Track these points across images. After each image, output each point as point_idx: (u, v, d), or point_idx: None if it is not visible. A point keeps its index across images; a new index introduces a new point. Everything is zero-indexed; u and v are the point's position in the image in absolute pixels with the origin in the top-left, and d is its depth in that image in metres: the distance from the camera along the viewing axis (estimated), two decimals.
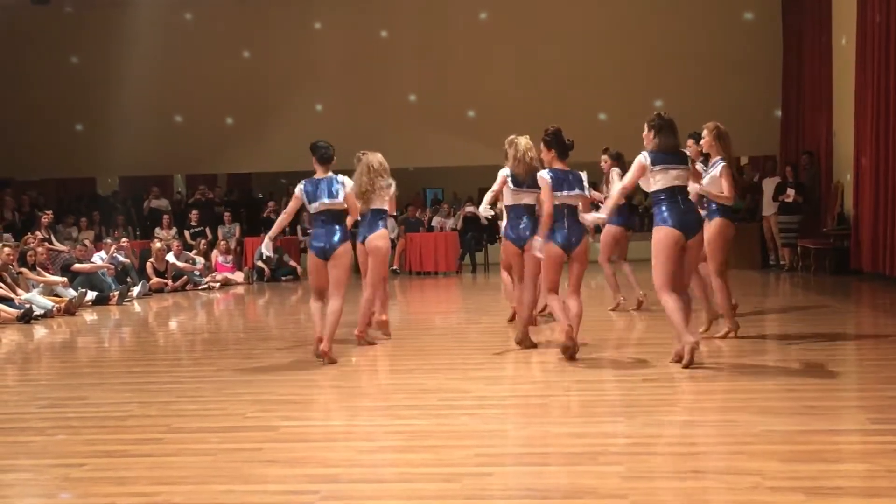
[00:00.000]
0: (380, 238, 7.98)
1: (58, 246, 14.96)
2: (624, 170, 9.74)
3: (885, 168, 12.32)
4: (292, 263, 17.33)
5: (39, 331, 10.32)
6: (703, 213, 7.44)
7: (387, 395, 6.11)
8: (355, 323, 8.33)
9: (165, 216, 18.01)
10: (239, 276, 16.62)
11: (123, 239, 16.09)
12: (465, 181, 22.01)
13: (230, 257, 16.95)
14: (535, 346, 7.49)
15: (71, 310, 11.72)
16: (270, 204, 18.34)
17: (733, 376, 6.07)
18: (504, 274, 9.03)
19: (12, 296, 11.31)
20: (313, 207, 7.23)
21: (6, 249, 11.80)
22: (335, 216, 7.24)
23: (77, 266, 13.46)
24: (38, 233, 14.51)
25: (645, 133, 6.60)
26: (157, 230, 17.62)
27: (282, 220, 7.60)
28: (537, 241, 6.79)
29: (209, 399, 5.91)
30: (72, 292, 12.35)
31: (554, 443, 4.56)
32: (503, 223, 8.04)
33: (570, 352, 6.78)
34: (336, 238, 7.18)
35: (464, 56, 18.76)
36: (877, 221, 12.46)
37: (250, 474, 4.16)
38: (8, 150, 19.14)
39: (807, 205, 14.97)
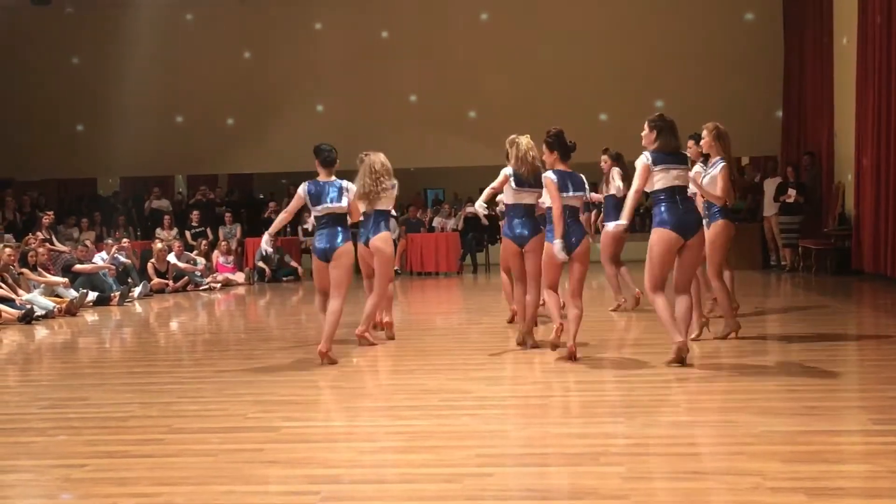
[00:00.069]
0: (383, 240, 7.97)
1: (59, 246, 14.97)
2: (624, 170, 9.77)
3: (886, 168, 12.32)
4: (293, 264, 17.35)
5: (40, 331, 10.32)
6: (703, 214, 7.45)
7: (388, 396, 6.11)
8: (355, 323, 8.34)
9: (166, 217, 18.03)
10: (240, 277, 16.63)
11: (124, 239, 16.11)
12: (465, 182, 22.01)
13: (231, 258, 16.96)
14: (537, 345, 7.50)
15: (72, 310, 11.73)
16: (271, 204, 18.34)
17: (734, 377, 6.07)
18: (504, 275, 9.04)
19: (13, 296, 11.32)
20: (316, 210, 7.25)
21: (7, 250, 11.80)
22: (337, 218, 7.28)
23: (78, 267, 13.46)
24: (39, 233, 14.52)
25: (646, 133, 6.61)
26: (158, 231, 17.64)
27: (282, 218, 7.60)
28: (557, 244, 6.76)
29: (210, 400, 5.91)
30: (73, 293, 12.36)
31: (554, 443, 4.56)
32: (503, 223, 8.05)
33: (566, 354, 6.80)
34: (338, 240, 7.21)
35: (464, 56, 18.77)
36: (878, 222, 12.46)
37: (251, 475, 4.16)
38: (9, 150, 19.15)
39: (808, 205, 14.97)
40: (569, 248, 6.83)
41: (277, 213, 17.71)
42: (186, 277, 15.37)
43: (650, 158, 6.45)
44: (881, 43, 12.39)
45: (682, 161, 6.59)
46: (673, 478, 3.93)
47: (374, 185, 7.91)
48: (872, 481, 3.79)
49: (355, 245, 7.73)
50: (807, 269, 14.48)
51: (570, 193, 6.89)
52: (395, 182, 8.19)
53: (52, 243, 14.77)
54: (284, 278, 17.00)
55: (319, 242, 7.27)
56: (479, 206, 7.87)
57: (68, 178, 20.75)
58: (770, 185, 15.58)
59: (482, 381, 6.27)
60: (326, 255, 7.24)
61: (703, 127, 7.54)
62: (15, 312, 10.86)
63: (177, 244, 15.95)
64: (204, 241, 17.23)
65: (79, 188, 21.20)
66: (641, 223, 18.29)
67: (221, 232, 17.89)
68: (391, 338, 8.36)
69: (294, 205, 7.42)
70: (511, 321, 8.91)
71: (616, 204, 9.94)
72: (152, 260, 15.20)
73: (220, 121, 19.56)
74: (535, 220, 7.61)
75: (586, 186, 7.15)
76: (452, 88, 18.78)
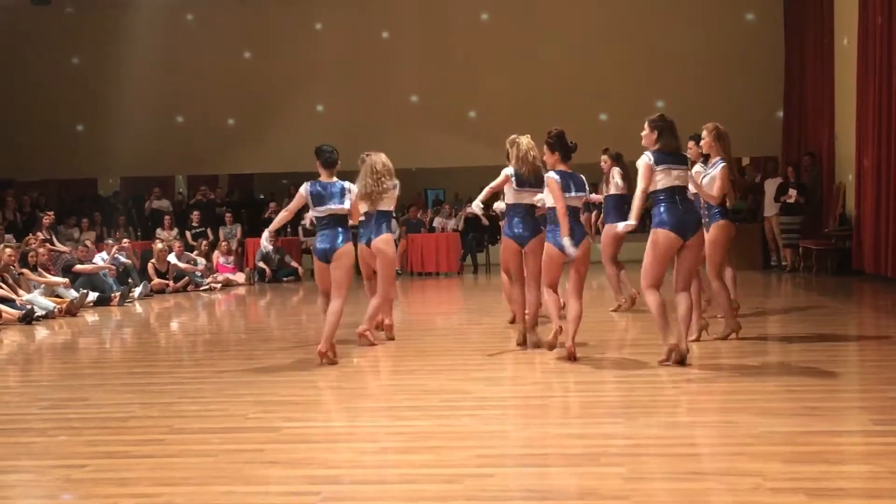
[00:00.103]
0: (385, 242, 8.01)
1: (59, 247, 14.97)
2: (624, 169, 9.77)
3: (887, 169, 12.32)
4: (294, 264, 17.35)
5: (41, 332, 10.32)
6: (703, 214, 7.45)
7: (388, 396, 6.11)
8: (355, 323, 8.34)
9: (167, 217, 18.03)
10: (240, 277, 16.64)
11: (125, 240, 16.12)
12: (466, 182, 21.99)
13: (231, 258, 16.96)
14: (540, 344, 7.52)
15: (72, 311, 11.73)
16: (272, 205, 18.33)
17: (734, 377, 6.07)
18: (504, 275, 9.04)
19: (14, 297, 11.32)
20: (318, 211, 7.26)
21: (8, 250, 11.81)
22: (338, 219, 7.30)
23: (78, 267, 13.47)
24: (39, 234, 14.52)
25: (646, 133, 6.61)
26: (159, 231, 17.64)
27: (283, 216, 7.61)
28: (567, 241, 6.75)
29: (211, 400, 5.91)
30: (73, 293, 12.37)
31: (555, 444, 4.56)
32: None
33: (565, 355, 6.82)
34: (338, 240, 7.22)
35: (465, 57, 18.77)
36: (878, 222, 12.46)
37: (252, 475, 4.16)
38: (9, 150, 19.16)
39: (808, 206, 14.97)
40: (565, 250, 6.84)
41: (278, 213, 17.82)
42: (187, 278, 15.38)
43: (652, 158, 6.46)
44: (882, 43, 12.39)
45: (682, 162, 6.62)
46: (673, 478, 3.93)
47: (375, 186, 7.93)
48: (873, 482, 3.79)
49: (355, 245, 7.74)
50: (807, 270, 14.48)
51: (573, 194, 6.90)
52: (397, 182, 8.21)
53: (52, 243, 14.77)
54: (285, 278, 17.00)
55: (320, 243, 7.29)
56: (476, 207, 7.84)
57: (69, 178, 20.74)
58: (771, 186, 15.58)
59: (482, 381, 6.27)
60: (327, 256, 7.25)
61: (702, 127, 7.54)
62: (15, 313, 10.86)
63: (177, 244, 15.95)
64: (204, 242, 17.24)
65: (79, 188, 21.20)
66: (641, 224, 18.26)
67: (222, 232, 17.89)
68: (391, 339, 8.36)
69: (295, 204, 7.43)
70: (512, 322, 8.91)
71: (616, 204, 9.94)
72: (153, 260, 15.21)
73: (221, 121, 19.56)
74: (535, 220, 7.60)
75: (587, 187, 7.17)
76: (453, 89, 18.79)
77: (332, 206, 7.24)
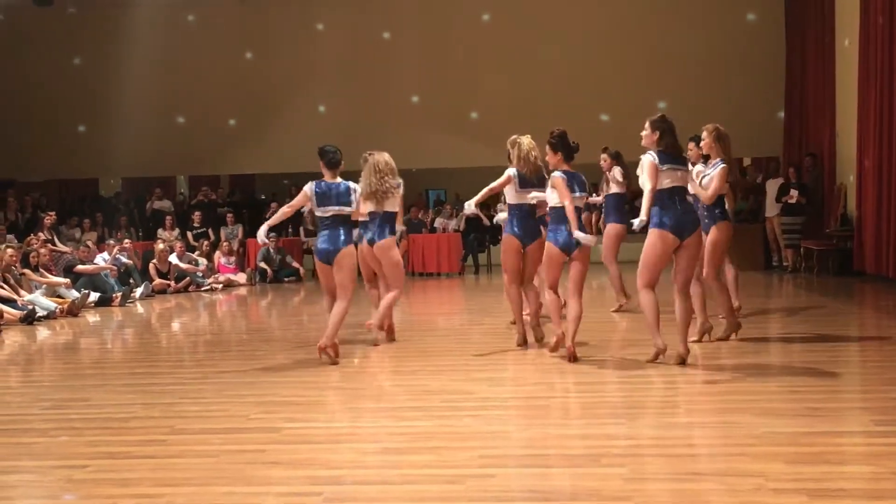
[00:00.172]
0: (388, 247, 8.10)
1: (61, 247, 14.98)
2: (624, 169, 9.78)
3: (888, 169, 12.32)
4: (295, 265, 17.35)
5: (42, 332, 10.33)
6: (703, 215, 7.45)
7: (390, 397, 6.11)
8: (358, 324, 8.34)
9: (168, 217, 18.03)
10: (241, 278, 16.63)
11: (126, 240, 16.11)
12: (467, 182, 21.90)
13: (233, 258, 16.96)
14: (541, 338, 7.60)
15: (74, 311, 11.73)
16: (273, 205, 18.31)
17: (735, 378, 6.07)
18: (506, 275, 9.03)
19: (15, 297, 11.32)
20: (322, 211, 7.27)
21: (9, 251, 11.81)
22: (342, 220, 7.32)
23: (80, 267, 13.47)
24: (41, 234, 14.53)
25: (647, 133, 6.62)
26: (160, 231, 17.64)
27: (284, 211, 7.64)
28: (580, 234, 6.74)
29: (212, 400, 5.92)
30: (75, 293, 12.37)
31: (556, 444, 4.56)
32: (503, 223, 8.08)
33: (566, 355, 6.84)
34: (340, 242, 7.24)
35: (466, 57, 18.77)
36: (880, 223, 12.45)
37: (253, 476, 4.16)
38: (10, 150, 19.16)
39: (810, 206, 14.96)
40: (570, 247, 6.84)
41: None
42: (188, 278, 15.38)
43: (657, 158, 6.47)
44: (883, 44, 12.38)
45: (682, 163, 6.69)
46: (674, 479, 3.93)
47: (379, 184, 7.96)
48: (875, 482, 3.79)
49: (357, 244, 7.78)
50: (808, 270, 14.47)
51: (576, 194, 6.92)
52: (401, 181, 8.24)
53: (53, 244, 14.78)
54: (286, 279, 17.00)
55: (321, 243, 7.31)
56: (468, 209, 7.80)
57: (70, 178, 20.74)
58: (772, 186, 15.57)
59: (484, 382, 6.28)
60: (328, 258, 7.27)
61: (703, 128, 7.54)
62: (17, 313, 10.86)
63: (178, 245, 15.96)
64: (206, 242, 17.24)
65: (80, 189, 21.19)
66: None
67: (223, 232, 17.89)
68: (392, 340, 8.35)
69: (298, 201, 7.46)
70: (514, 322, 8.90)
71: (616, 203, 9.95)
72: (154, 261, 15.21)
73: (222, 121, 19.55)
74: (536, 222, 7.62)
75: (587, 187, 7.19)
76: (454, 89, 18.78)
77: (337, 207, 7.27)
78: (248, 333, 10.01)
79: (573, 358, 6.77)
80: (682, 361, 6.44)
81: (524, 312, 7.82)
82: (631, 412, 5.21)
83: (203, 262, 16.24)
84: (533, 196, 7.31)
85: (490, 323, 9.73)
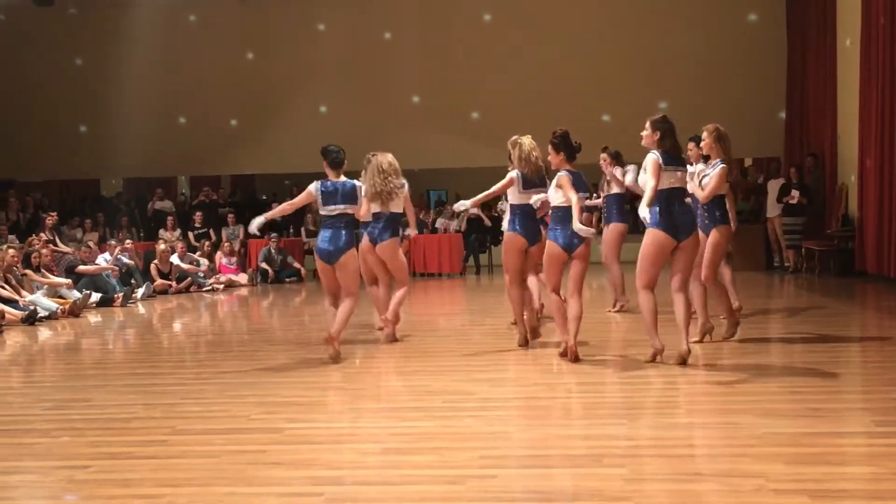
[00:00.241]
0: (391, 248, 8.23)
1: (62, 247, 14.98)
2: (624, 169, 9.78)
3: (890, 169, 12.31)
4: (296, 265, 17.35)
5: (44, 332, 10.33)
6: (704, 217, 7.46)
7: (391, 397, 6.12)
8: (359, 324, 8.35)
9: (169, 218, 18.03)
10: (243, 278, 16.64)
11: (127, 240, 16.11)
12: (468, 183, 21.93)
13: (234, 259, 16.97)
14: (539, 335, 7.64)
15: (75, 311, 11.74)
16: (274, 205, 18.30)
17: (737, 378, 6.06)
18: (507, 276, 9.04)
19: (17, 297, 11.33)
20: (328, 210, 7.28)
21: (10, 251, 11.82)
22: (346, 219, 7.35)
23: (81, 268, 13.48)
24: (42, 234, 14.53)
25: (648, 133, 6.64)
26: (161, 232, 17.64)
27: (284, 207, 7.69)
28: (582, 229, 6.75)
29: (213, 401, 5.92)
30: (76, 294, 12.37)
31: (557, 445, 4.56)
32: (504, 223, 8.14)
33: (570, 355, 6.85)
34: (341, 243, 7.26)
35: (467, 57, 18.76)
36: (881, 223, 12.45)
37: (254, 476, 4.17)
38: (11, 151, 19.16)
39: (811, 206, 14.95)
40: (571, 247, 6.85)
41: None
42: (189, 278, 15.39)
43: (661, 159, 6.49)
44: (884, 44, 12.38)
45: (682, 164, 6.74)
46: (675, 479, 3.93)
47: (383, 185, 8.01)
48: (876, 483, 3.79)
49: (358, 244, 7.82)
50: (810, 271, 14.47)
51: (581, 194, 6.94)
52: (405, 182, 8.27)
53: (55, 244, 14.78)
54: (287, 279, 17.00)
55: (322, 243, 7.32)
56: (461, 205, 7.81)
57: (71, 178, 20.75)
58: (773, 187, 15.56)
59: (485, 382, 6.28)
60: (329, 258, 7.29)
61: (703, 129, 7.54)
62: (18, 314, 10.87)
63: (180, 245, 15.96)
64: (207, 242, 17.25)
65: (82, 189, 21.20)
66: (635, 225, 18.26)
67: (224, 233, 17.89)
68: (394, 340, 8.35)
69: (301, 199, 7.50)
70: (515, 323, 8.90)
71: (617, 203, 9.95)
72: (155, 261, 15.21)
73: (223, 122, 19.55)
74: (536, 222, 7.64)
75: (588, 188, 7.22)
76: (455, 89, 18.77)
77: (343, 206, 7.31)
78: (250, 334, 10.02)
79: (575, 358, 6.77)
80: (684, 361, 6.45)
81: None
82: (632, 412, 5.22)
83: (204, 262, 16.25)
84: (535, 200, 7.32)
85: (491, 323, 9.73)
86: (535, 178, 7.49)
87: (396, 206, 8.20)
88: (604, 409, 5.39)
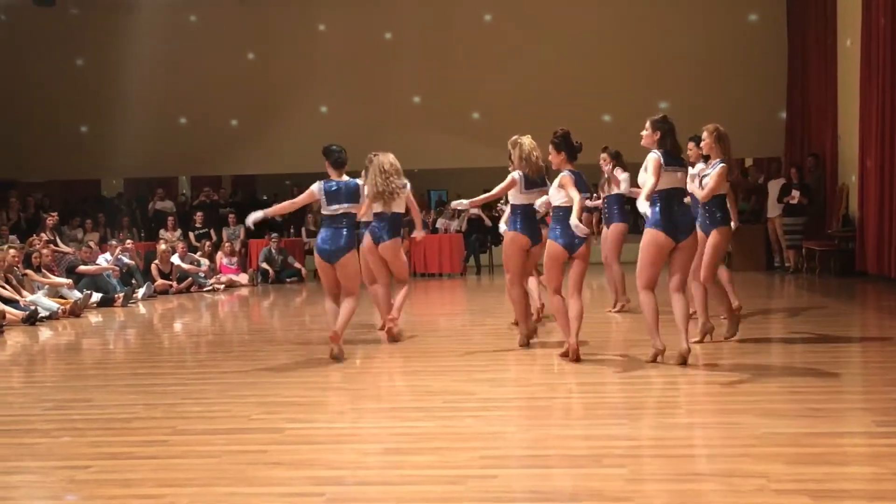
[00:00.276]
0: (393, 249, 8.32)
1: (63, 248, 14.99)
2: (624, 168, 9.77)
3: (890, 169, 12.31)
4: (297, 265, 17.35)
5: (44, 332, 10.34)
6: (706, 218, 7.46)
7: (392, 397, 6.12)
8: (362, 325, 8.35)
9: (170, 218, 18.03)
10: (243, 278, 16.65)
11: (128, 241, 16.11)
12: (469, 183, 21.96)
13: (235, 259, 16.98)
14: (533, 335, 7.71)
15: (76, 311, 11.74)
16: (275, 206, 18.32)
17: (737, 378, 6.06)
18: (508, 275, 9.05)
19: (18, 298, 11.33)
20: (331, 209, 7.29)
21: (11, 251, 11.83)
22: (347, 219, 7.37)
23: (82, 268, 13.48)
24: (43, 234, 14.54)
25: (648, 133, 6.66)
26: (162, 232, 17.64)
27: (285, 205, 7.72)
28: (574, 220, 6.75)
29: (214, 401, 5.92)
30: (77, 294, 12.38)
31: (558, 445, 4.56)
32: (503, 224, 8.18)
33: (571, 355, 6.88)
34: (342, 242, 7.28)
35: (468, 58, 18.76)
36: (882, 223, 12.45)
37: (255, 476, 4.17)
38: (12, 151, 19.17)
39: (812, 206, 14.95)
40: (572, 246, 6.85)
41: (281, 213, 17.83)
42: (190, 279, 15.39)
43: (663, 158, 6.49)
44: (885, 44, 12.37)
45: (682, 164, 6.76)
46: (676, 479, 3.94)
47: (385, 185, 8.04)
48: (876, 483, 3.79)
49: (358, 243, 7.84)
50: (810, 271, 14.46)
51: (582, 194, 6.95)
52: (407, 182, 8.29)
53: (56, 244, 14.79)
54: (288, 280, 17.01)
55: (323, 242, 7.33)
56: (461, 203, 7.81)
57: (72, 179, 20.74)
58: (774, 187, 15.56)
59: (486, 382, 6.28)
60: (329, 258, 7.32)
61: (703, 129, 7.54)
62: (19, 314, 10.87)
63: (180, 245, 15.97)
64: (207, 243, 17.25)
65: (83, 189, 21.20)
66: (635, 224, 18.26)
67: (225, 233, 17.89)
68: (395, 340, 8.36)
69: (302, 199, 7.53)
70: (516, 322, 8.91)
71: (618, 204, 9.94)
72: (156, 261, 15.21)
73: (224, 122, 19.56)
74: (537, 222, 7.66)
75: (588, 188, 7.23)
76: (456, 89, 18.77)
77: (347, 204, 7.34)
78: (250, 334, 10.02)
79: (577, 357, 6.77)
80: (684, 361, 6.46)
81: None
82: (632, 413, 5.22)
83: (205, 262, 16.25)
84: (540, 203, 7.33)
85: (492, 324, 9.73)
86: (536, 178, 7.51)
87: (398, 206, 8.25)
88: (604, 409, 5.39)
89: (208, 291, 15.40)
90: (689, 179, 7.55)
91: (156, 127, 19.04)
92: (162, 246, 15.49)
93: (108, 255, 14.53)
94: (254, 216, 7.54)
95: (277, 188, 22.04)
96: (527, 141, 7.57)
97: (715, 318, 7.74)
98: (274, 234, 17.32)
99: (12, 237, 14.80)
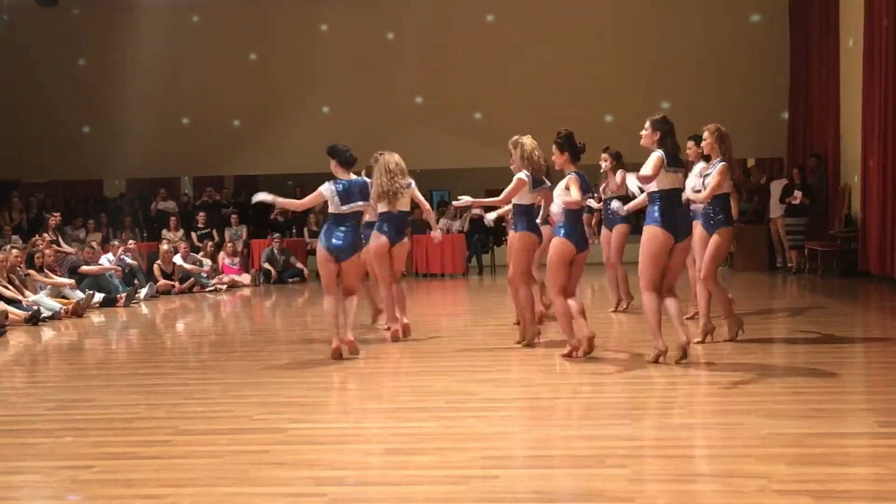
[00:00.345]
0: (406, 247, 8.55)
1: (65, 248, 14.99)
2: (624, 169, 9.77)
3: (893, 169, 12.30)
4: (299, 265, 17.36)
5: (47, 333, 10.34)
6: (709, 218, 7.46)
7: (394, 398, 6.12)
8: (361, 325, 8.34)
9: (172, 218, 18.04)
10: (246, 279, 16.65)
11: (130, 241, 16.12)
12: (471, 183, 21.96)
13: (237, 259, 16.98)
14: (534, 340, 7.70)
15: (78, 312, 11.75)
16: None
17: (739, 379, 6.06)
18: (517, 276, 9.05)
19: (20, 298, 11.34)
20: (346, 208, 7.28)
21: (14, 251, 11.84)
22: (358, 218, 7.41)
23: (84, 268, 13.49)
24: (45, 235, 14.55)
25: (648, 132, 6.66)
26: (165, 232, 17.65)
27: (294, 203, 7.72)
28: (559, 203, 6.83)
29: (216, 401, 5.92)
30: (79, 294, 12.38)
31: (560, 445, 4.56)
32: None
33: (568, 352, 6.97)
34: (355, 242, 7.35)
35: (470, 58, 18.75)
36: (884, 223, 12.43)
37: (257, 476, 4.17)
38: (15, 151, 19.18)
39: (814, 207, 14.94)
40: (582, 246, 6.92)
41: (283, 214, 17.87)
42: (192, 279, 15.39)
43: (665, 159, 6.51)
44: (887, 45, 12.36)
45: (681, 165, 6.78)
46: (678, 480, 3.93)
47: (390, 185, 8.07)
48: (879, 484, 3.79)
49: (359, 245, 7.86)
50: (813, 271, 14.45)
51: (588, 195, 6.99)
52: (411, 181, 8.31)
53: (58, 244, 14.79)
54: (290, 280, 17.01)
55: (336, 240, 7.25)
56: (464, 198, 7.83)
57: (74, 179, 20.77)
58: (776, 187, 15.56)
59: (488, 382, 6.28)
60: (341, 256, 7.27)
61: (704, 128, 7.54)
62: (21, 314, 10.88)
63: (183, 246, 15.97)
64: (210, 243, 17.25)
65: (85, 190, 21.22)
66: (637, 227, 18.26)
67: (227, 233, 17.90)
68: (396, 340, 8.36)
69: (310, 200, 7.52)
70: (517, 322, 8.91)
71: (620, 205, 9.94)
72: (158, 261, 15.23)
73: (226, 122, 19.56)
74: (534, 219, 7.72)
75: (591, 189, 7.28)
76: (458, 90, 18.77)
77: (362, 203, 7.41)
78: (253, 334, 10.03)
79: (576, 353, 6.89)
80: (684, 353, 6.50)
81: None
82: (635, 413, 5.22)
83: (207, 262, 16.25)
84: (558, 208, 7.33)
85: (494, 324, 9.73)
86: (539, 178, 7.56)
87: (403, 205, 8.30)
88: (607, 409, 5.39)
89: (210, 292, 15.40)
90: (693, 178, 7.57)
91: (158, 127, 19.04)
92: (164, 246, 15.50)
93: (110, 256, 14.54)
94: (262, 195, 7.53)
95: (280, 188, 21.88)
96: (528, 141, 7.59)
97: (715, 319, 7.73)
98: (276, 235, 17.32)
99: (15, 237, 14.81)
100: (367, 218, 8.32)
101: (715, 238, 7.44)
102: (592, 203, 9.25)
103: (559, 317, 7.04)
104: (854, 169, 14.00)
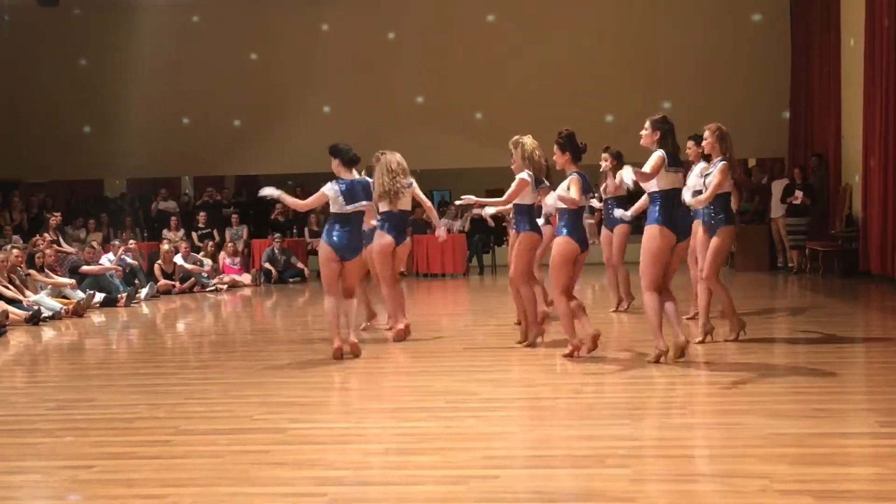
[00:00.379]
0: (409, 246, 8.71)
1: (66, 248, 14.99)
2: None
3: (894, 170, 12.29)
4: (299, 265, 17.35)
5: (47, 332, 10.34)
6: (710, 218, 7.46)
7: (394, 398, 6.11)
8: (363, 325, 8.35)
9: (173, 218, 18.04)
10: (246, 278, 16.65)
11: (131, 241, 16.12)
12: (472, 183, 21.94)
13: (238, 259, 16.98)
14: (536, 342, 7.67)
15: (79, 311, 11.75)
16: (278, 206, 18.34)
17: (740, 379, 6.05)
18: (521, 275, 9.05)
19: (21, 297, 11.34)
20: (351, 207, 7.27)
21: (15, 251, 11.84)
22: (361, 217, 7.41)
23: (85, 268, 13.49)
24: (46, 234, 14.55)
25: (648, 132, 6.67)
26: (165, 232, 17.65)
27: (298, 203, 7.67)
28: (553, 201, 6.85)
29: (217, 401, 5.92)
30: (80, 294, 12.38)
31: (561, 445, 4.56)
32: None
33: (570, 351, 7.00)
34: (358, 241, 7.37)
35: (471, 58, 18.75)
36: (885, 223, 12.43)
37: (258, 476, 4.17)
38: (16, 151, 19.18)
39: (815, 207, 14.93)
40: (585, 244, 6.96)
41: (283, 213, 17.88)
42: (193, 279, 15.39)
43: (666, 158, 6.51)
44: (889, 44, 12.35)
45: (681, 165, 6.78)
46: (679, 480, 3.93)
47: (391, 185, 8.07)
48: (880, 484, 3.78)
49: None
50: (814, 271, 14.44)
51: (589, 195, 7.00)
52: (412, 181, 8.31)
53: (59, 244, 14.79)
54: (291, 280, 17.00)
55: (341, 240, 7.23)
56: (468, 197, 7.81)
57: (75, 179, 20.76)
58: (777, 187, 15.55)
59: (488, 382, 6.28)
60: (345, 255, 7.25)
61: (705, 128, 7.54)
62: (22, 314, 10.88)
63: (183, 245, 15.97)
64: (210, 243, 17.25)
65: (86, 189, 21.22)
66: (637, 227, 18.25)
67: (228, 233, 17.90)
68: (397, 340, 8.36)
69: (313, 200, 7.51)
70: (518, 322, 8.90)
71: (621, 205, 9.93)
72: (159, 261, 15.23)
73: (227, 122, 19.56)
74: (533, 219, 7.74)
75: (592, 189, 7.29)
76: (459, 90, 18.76)
77: (366, 202, 7.42)
78: (253, 334, 10.03)
79: (578, 352, 6.91)
80: (682, 352, 6.51)
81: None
82: (635, 413, 5.21)
83: (208, 262, 16.25)
84: (552, 200, 7.34)
85: (495, 324, 9.73)
86: (540, 177, 7.58)
87: (404, 204, 8.31)
88: (607, 409, 5.39)
89: (211, 291, 15.40)
90: (694, 178, 7.57)
91: (159, 127, 19.05)
92: (165, 246, 15.50)
93: (111, 256, 14.54)
94: (269, 189, 7.53)
95: (280, 188, 21.84)
96: (528, 141, 7.60)
97: (715, 319, 7.73)
98: (277, 235, 17.32)
99: (15, 237, 14.82)
100: (370, 223, 8.27)
101: (716, 238, 7.44)
102: (595, 203, 9.25)
103: (562, 317, 7.04)
104: (855, 169, 13.99)
